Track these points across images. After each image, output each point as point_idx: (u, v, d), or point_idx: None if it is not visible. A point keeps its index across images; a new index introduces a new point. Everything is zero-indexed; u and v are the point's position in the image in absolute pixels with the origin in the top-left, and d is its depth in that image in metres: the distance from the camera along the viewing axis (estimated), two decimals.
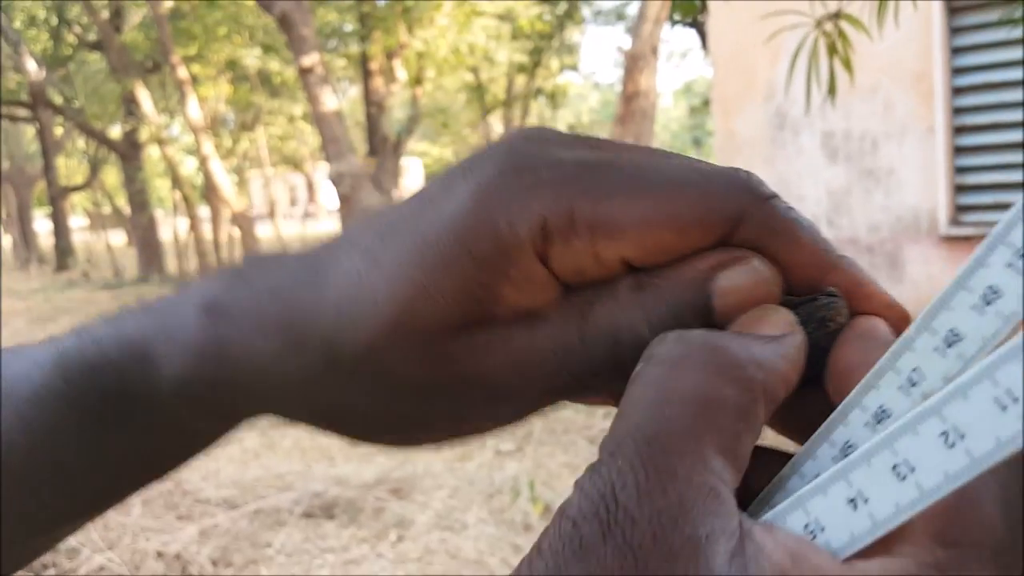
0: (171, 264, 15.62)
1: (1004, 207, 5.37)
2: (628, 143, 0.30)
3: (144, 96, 12.70)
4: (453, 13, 13.73)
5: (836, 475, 0.23)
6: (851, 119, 5.67)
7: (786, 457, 0.26)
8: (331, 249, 0.31)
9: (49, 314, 12.08)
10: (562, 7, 20.41)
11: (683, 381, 0.23)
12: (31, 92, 16.57)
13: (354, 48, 14.81)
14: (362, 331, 0.28)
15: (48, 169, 20.46)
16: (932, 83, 5.41)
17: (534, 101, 25.39)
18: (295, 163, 22.98)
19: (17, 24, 16.27)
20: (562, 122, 38.30)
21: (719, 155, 6.49)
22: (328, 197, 31.27)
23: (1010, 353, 0.20)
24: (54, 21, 17.22)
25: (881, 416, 0.25)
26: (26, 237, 22.57)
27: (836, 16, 1.89)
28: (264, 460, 4.63)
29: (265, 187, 16.94)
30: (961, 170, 5.52)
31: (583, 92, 44.20)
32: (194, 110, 11.43)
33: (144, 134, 13.56)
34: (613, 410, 0.25)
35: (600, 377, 0.27)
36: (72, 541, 3.47)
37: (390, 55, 13.54)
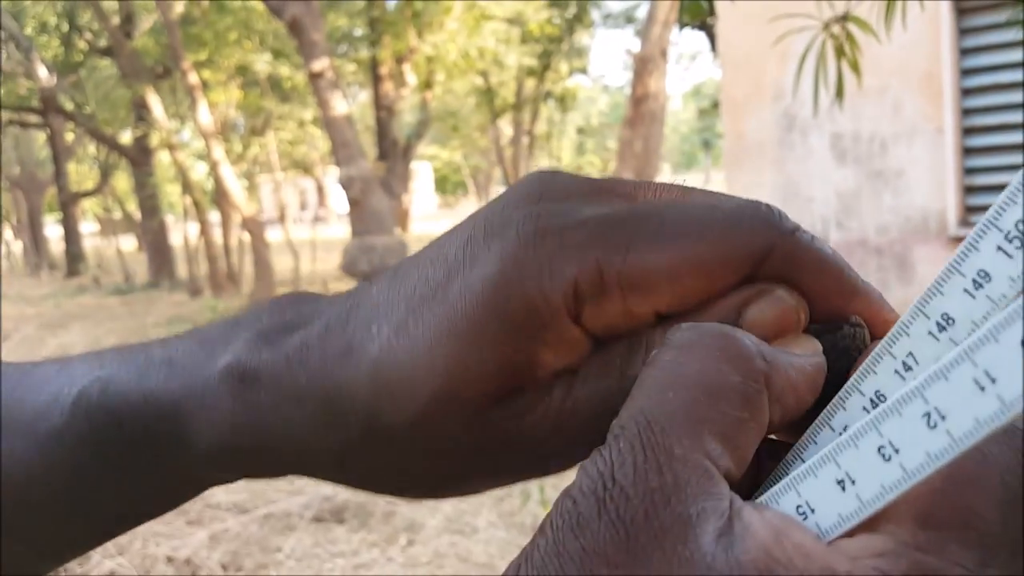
0: (182, 269, 15.68)
1: None
2: (642, 181, 0.30)
3: (155, 101, 12.75)
4: (462, 17, 13.75)
5: (826, 457, 0.23)
6: (860, 121, 5.66)
7: None
8: (358, 314, 0.31)
9: (60, 320, 12.14)
10: (571, 10, 20.41)
11: (689, 366, 0.24)
12: (42, 98, 16.66)
13: (364, 53, 14.85)
14: (402, 406, 0.29)
15: (59, 175, 20.57)
16: (941, 84, 5.39)
17: (544, 104, 25.39)
18: (305, 167, 23.03)
19: (28, 30, 16.37)
20: (571, 125, 38.31)
21: (728, 157, 6.48)
22: (338, 201, 31.33)
23: (989, 334, 0.20)
24: (65, 27, 17.32)
25: (878, 401, 0.25)
26: (37, 243, 22.68)
27: (844, 18, 1.89)
28: None
29: (275, 192, 16.98)
30: (970, 171, 5.50)
31: (592, 95, 44.18)
32: (204, 115, 11.48)
33: (155, 139, 13.61)
34: None
35: None
36: None
37: (400, 59, 13.58)
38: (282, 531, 3.85)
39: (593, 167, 47.53)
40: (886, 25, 1.74)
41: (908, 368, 0.25)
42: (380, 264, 8.64)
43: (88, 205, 28.49)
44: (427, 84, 15.09)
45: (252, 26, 13.09)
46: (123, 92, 14.41)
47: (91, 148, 22.31)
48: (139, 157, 15.54)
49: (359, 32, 15.47)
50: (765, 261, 0.27)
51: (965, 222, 5.50)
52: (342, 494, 4.06)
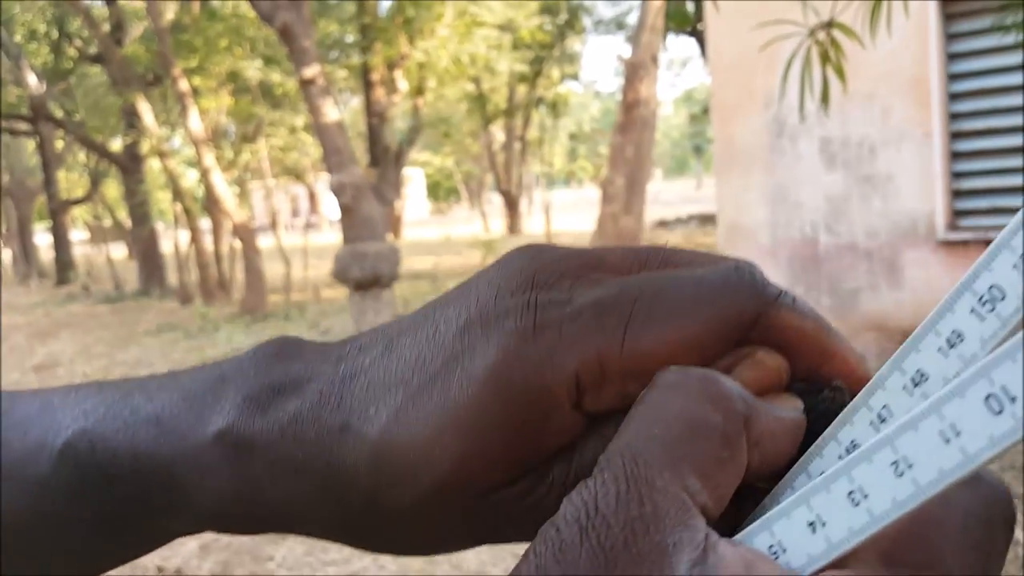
0: (172, 277, 15.64)
1: (1001, 212, 5.34)
2: (628, 249, 0.31)
3: (145, 109, 12.73)
4: (454, 24, 13.76)
5: (799, 500, 0.24)
6: (849, 126, 5.68)
7: None
8: (352, 389, 0.31)
9: (49, 328, 12.09)
10: (563, 17, 20.45)
11: (673, 405, 0.25)
12: (32, 106, 16.62)
13: (355, 59, 14.85)
14: (404, 492, 0.30)
15: (49, 183, 20.50)
16: (929, 89, 5.42)
17: (535, 110, 25.44)
18: (297, 174, 23.00)
19: (18, 38, 16.33)
20: (563, 131, 38.35)
21: (719, 162, 6.50)
22: (330, 208, 31.30)
23: (956, 390, 0.22)
24: (55, 35, 17.29)
25: (852, 449, 0.26)
26: (26, 251, 22.60)
27: (829, 25, 1.90)
28: None
29: (267, 198, 16.96)
30: (958, 175, 5.53)
31: (584, 101, 44.27)
32: (195, 122, 11.46)
33: (145, 147, 13.59)
34: None
35: None
36: None
37: (391, 66, 13.58)
38: (273, 540, 3.83)
39: (585, 172, 47.58)
40: (871, 31, 1.74)
41: (883, 420, 0.26)
42: (372, 270, 8.63)
43: (78, 213, 28.41)
44: (419, 90, 15.09)
45: (243, 33, 13.08)
46: (113, 99, 14.39)
47: (81, 155, 22.25)
48: (129, 164, 15.50)
49: (350, 38, 15.47)
50: (753, 328, 0.29)
51: (953, 226, 5.52)
52: None
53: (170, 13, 12.65)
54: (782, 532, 0.24)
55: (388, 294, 8.97)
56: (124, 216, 19.62)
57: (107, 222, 24.02)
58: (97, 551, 0.37)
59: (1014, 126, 5.25)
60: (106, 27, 14.73)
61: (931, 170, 5.48)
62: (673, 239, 17.78)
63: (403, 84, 13.42)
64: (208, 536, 3.87)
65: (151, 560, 3.63)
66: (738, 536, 0.25)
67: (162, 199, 22.79)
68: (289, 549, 3.74)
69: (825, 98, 1.97)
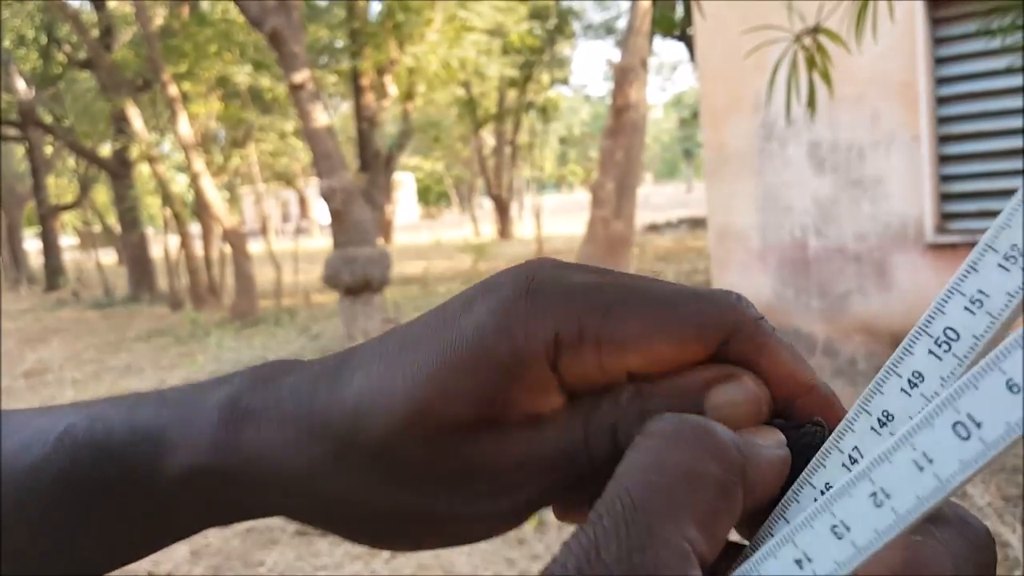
0: (162, 282, 15.59)
1: (989, 215, 5.37)
2: (629, 272, 0.33)
3: (134, 114, 12.70)
4: (443, 29, 13.78)
5: (784, 539, 0.25)
6: (837, 130, 5.71)
7: None
8: (353, 354, 0.34)
9: (39, 334, 12.04)
10: (552, 21, 20.48)
11: (673, 455, 0.25)
12: (20, 111, 16.56)
13: (345, 64, 14.85)
14: (379, 423, 0.31)
15: (38, 188, 20.42)
16: (917, 93, 5.45)
17: (526, 115, 25.45)
18: (287, 179, 22.95)
19: (6, 43, 16.27)
20: (554, 135, 38.38)
21: (709, 167, 6.52)
22: (320, 213, 31.25)
23: (924, 421, 0.24)
24: (43, 40, 17.24)
25: (827, 491, 0.27)
26: (16, 257, 22.50)
27: (815, 30, 1.91)
28: None
29: (257, 203, 16.92)
30: (946, 179, 5.56)
31: (574, 105, 44.31)
32: (185, 127, 11.44)
33: (135, 152, 13.55)
34: None
35: (600, 476, 0.29)
36: None
37: (381, 71, 13.58)
38: (264, 545, 3.83)
39: (575, 176, 47.61)
40: (856, 36, 1.76)
41: (854, 461, 0.27)
42: (362, 275, 8.62)
43: (67, 218, 28.29)
44: (408, 95, 15.11)
45: (232, 38, 13.06)
46: (102, 105, 14.34)
47: (70, 161, 22.18)
48: (119, 170, 15.46)
49: (340, 44, 15.46)
50: (730, 340, 0.30)
51: (942, 229, 5.55)
52: None
53: (159, 18, 12.64)
54: (771, 571, 0.25)
55: (379, 299, 8.96)
56: (114, 222, 19.55)
57: (97, 228, 23.93)
58: (85, 544, 0.37)
59: (1002, 129, 5.29)
60: (95, 32, 14.69)
61: (919, 173, 5.51)
62: (663, 243, 17.81)
63: (393, 89, 13.43)
64: (199, 541, 3.86)
65: (142, 565, 3.62)
66: None
67: (152, 204, 22.73)
68: (280, 554, 3.73)
69: (812, 103, 1.98)
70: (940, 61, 5.48)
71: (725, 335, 0.29)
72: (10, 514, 0.36)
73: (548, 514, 0.33)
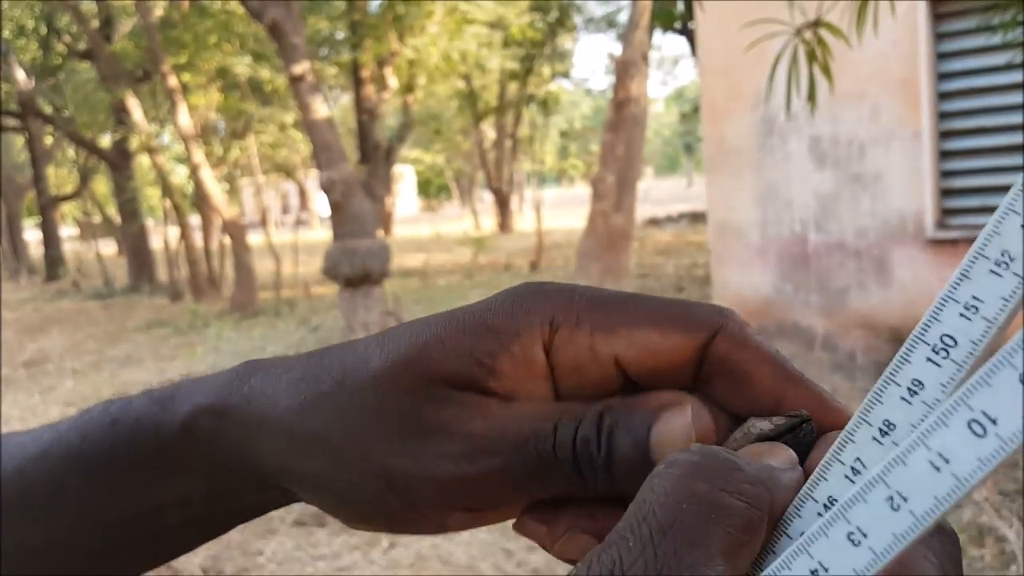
0: (162, 273, 15.59)
1: (990, 210, 5.36)
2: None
3: (134, 105, 12.67)
4: (444, 21, 13.75)
5: (798, 550, 0.26)
6: (838, 125, 5.71)
7: None
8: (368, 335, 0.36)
9: (39, 324, 12.04)
10: (553, 15, 20.44)
11: (700, 486, 0.26)
12: (20, 102, 16.53)
13: (345, 56, 14.82)
14: (374, 364, 0.33)
15: (38, 179, 20.40)
16: (918, 88, 5.45)
17: (526, 108, 25.42)
18: (287, 171, 22.94)
19: (6, 33, 16.24)
20: (554, 128, 38.34)
21: (709, 161, 6.52)
22: (320, 204, 31.23)
23: (939, 422, 0.24)
24: (43, 30, 17.20)
25: (831, 505, 0.28)
26: (16, 247, 22.49)
27: (815, 24, 1.91)
28: None
29: (257, 195, 16.92)
30: (947, 174, 5.56)
31: (575, 99, 44.23)
32: (184, 118, 11.42)
33: (134, 143, 13.53)
34: None
35: (560, 465, 0.31)
36: None
37: (381, 63, 13.56)
38: (263, 535, 3.84)
39: (576, 170, 47.54)
40: (857, 30, 1.76)
41: (857, 472, 0.27)
42: (362, 267, 8.62)
43: (67, 209, 28.27)
44: (409, 87, 15.09)
45: (232, 29, 13.03)
46: (102, 95, 14.32)
47: (70, 152, 22.15)
48: (119, 161, 15.44)
49: (340, 35, 15.43)
50: (716, 338, 0.31)
51: (942, 224, 5.56)
52: None
53: (159, 9, 12.61)
54: None
55: (378, 291, 8.96)
56: (114, 212, 19.55)
57: (97, 218, 23.93)
58: (88, 536, 0.38)
59: (1003, 125, 5.28)
60: (95, 23, 14.66)
61: (920, 169, 5.51)
62: (664, 237, 17.81)
63: (393, 81, 13.41)
64: None
65: None
66: None
67: (152, 195, 22.70)
68: (279, 543, 3.74)
69: (812, 97, 1.98)
70: (942, 57, 5.48)
71: (710, 332, 0.31)
72: (14, 499, 0.38)
73: None
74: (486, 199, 33.67)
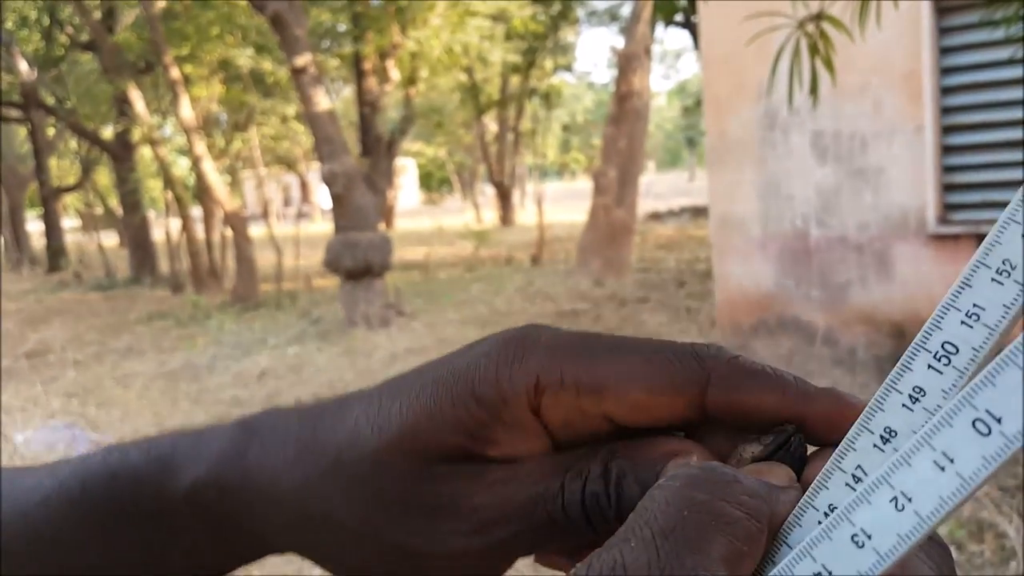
0: (164, 265, 15.60)
1: (992, 206, 5.34)
2: (620, 335, 0.34)
3: (136, 96, 12.67)
4: (446, 13, 13.72)
5: (801, 553, 0.26)
6: (840, 119, 5.70)
7: None
8: (356, 394, 0.37)
9: (41, 315, 12.05)
10: (556, 8, 20.40)
11: (700, 495, 0.26)
12: (23, 93, 16.52)
13: (347, 48, 14.78)
14: (370, 444, 0.34)
15: (40, 170, 20.40)
16: (921, 83, 5.43)
17: (528, 101, 25.38)
18: (288, 163, 22.92)
19: (9, 24, 16.22)
20: (556, 122, 38.27)
21: (711, 155, 6.51)
22: (322, 197, 31.22)
23: (943, 422, 0.24)
24: (46, 22, 17.17)
25: (831, 513, 0.28)
26: (18, 238, 22.50)
27: (818, 17, 1.91)
28: None
29: (258, 187, 16.91)
30: (949, 169, 5.55)
31: (577, 92, 44.15)
32: (187, 110, 11.41)
33: (136, 135, 13.53)
34: None
35: (571, 522, 0.31)
36: None
37: (383, 55, 13.53)
38: None
39: (578, 164, 47.51)
40: (860, 24, 1.75)
41: (858, 480, 0.27)
42: (363, 260, 8.62)
43: (69, 200, 28.28)
44: (411, 80, 15.05)
45: (234, 21, 13.02)
46: (105, 87, 14.31)
47: (72, 143, 22.14)
48: (121, 152, 15.44)
49: (342, 27, 15.41)
50: (709, 387, 0.31)
51: (945, 220, 5.55)
52: None
53: (162, 1, 12.59)
54: None
55: (379, 283, 8.97)
56: (116, 204, 19.54)
57: (99, 210, 23.93)
58: (93, 564, 0.39)
59: (1006, 120, 5.27)
60: (97, 14, 14.64)
61: (922, 164, 5.49)
62: (665, 231, 17.79)
63: (395, 74, 13.38)
64: None
65: None
66: None
67: (153, 187, 22.71)
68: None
69: (814, 91, 1.98)
70: (945, 51, 5.46)
71: (699, 387, 0.31)
72: (21, 546, 0.39)
73: None
74: (488, 192, 33.64)
